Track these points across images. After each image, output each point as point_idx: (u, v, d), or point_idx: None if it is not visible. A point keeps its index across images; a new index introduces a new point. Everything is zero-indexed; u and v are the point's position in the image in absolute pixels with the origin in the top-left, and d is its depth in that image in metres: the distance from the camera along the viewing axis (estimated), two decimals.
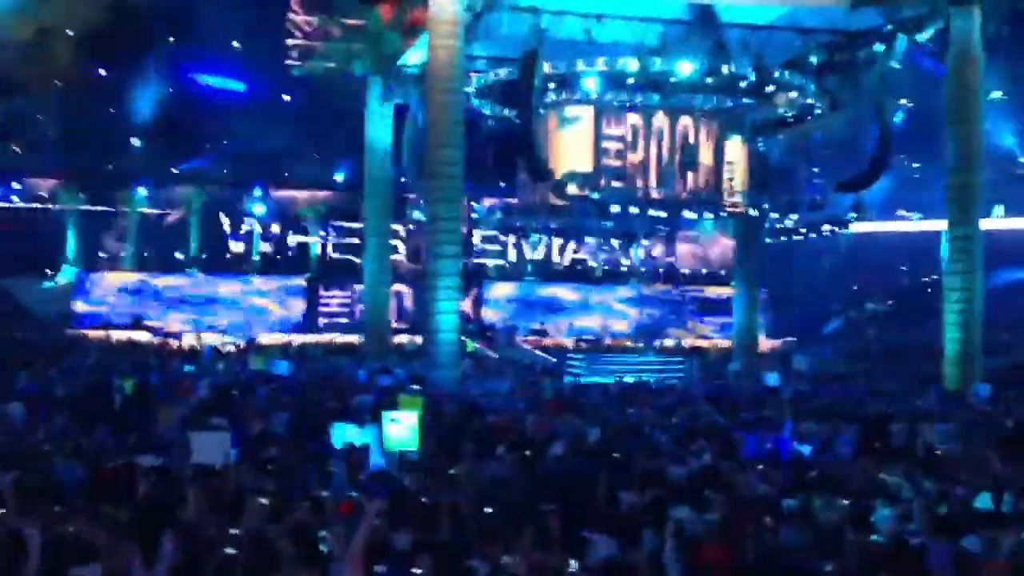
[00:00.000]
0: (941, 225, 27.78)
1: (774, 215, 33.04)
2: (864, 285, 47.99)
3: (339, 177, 44.15)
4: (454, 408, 19.07)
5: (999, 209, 40.27)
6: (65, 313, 40.27)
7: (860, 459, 13.67)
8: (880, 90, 29.97)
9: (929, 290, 35.45)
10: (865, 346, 40.36)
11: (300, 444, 14.38)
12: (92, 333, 38.21)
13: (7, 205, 41.55)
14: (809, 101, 31.59)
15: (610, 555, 8.24)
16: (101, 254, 42.53)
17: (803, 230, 34.83)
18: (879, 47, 29.50)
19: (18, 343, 31.26)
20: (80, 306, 40.89)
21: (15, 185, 41.74)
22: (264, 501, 9.58)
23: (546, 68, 28.92)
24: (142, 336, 38.17)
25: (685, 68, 28.92)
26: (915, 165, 42.00)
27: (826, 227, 34.45)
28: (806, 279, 45.46)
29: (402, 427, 13.17)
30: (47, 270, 41.59)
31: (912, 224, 43.07)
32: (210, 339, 38.25)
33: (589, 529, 9.13)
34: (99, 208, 42.10)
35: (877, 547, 8.80)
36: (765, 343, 40.38)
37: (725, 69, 29.55)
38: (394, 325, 38.18)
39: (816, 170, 35.24)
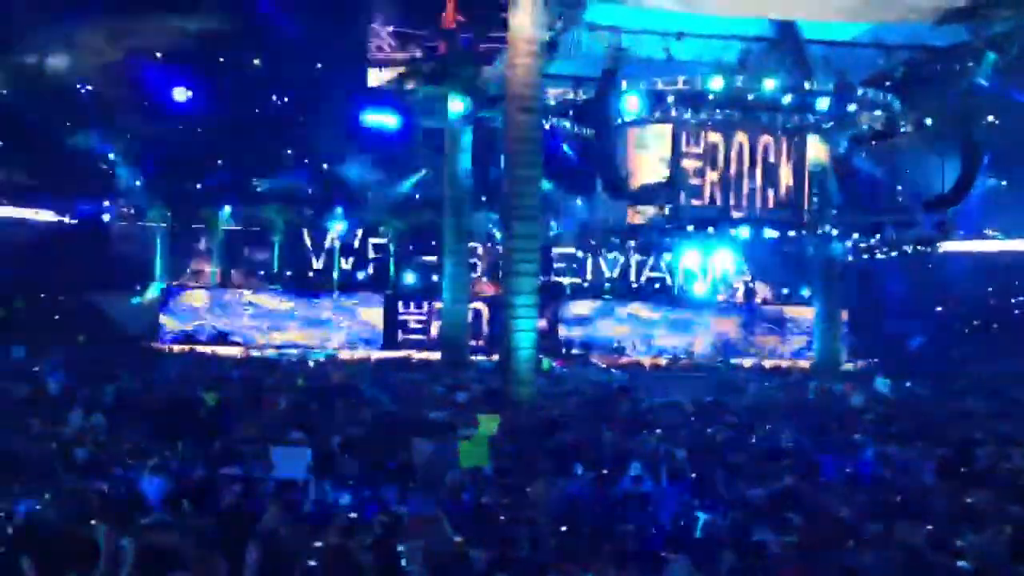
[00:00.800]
0: None
1: (857, 235, 32.49)
2: (949, 306, 46.83)
3: (417, 195, 44.58)
4: (530, 425, 19.10)
5: None
6: (151, 328, 41.31)
7: (944, 483, 13.36)
8: (966, 107, 29.35)
9: (1017, 312, 34.46)
10: (950, 369, 39.37)
11: (379, 459, 14.54)
12: (177, 347, 39.12)
13: (97, 222, 42.87)
14: (894, 118, 31.07)
15: None
16: (187, 271, 43.57)
17: (887, 249, 34.19)
18: (966, 63, 28.91)
19: (105, 357, 32.11)
20: (166, 321, 41.89)
21: (105, 203, 43.01)
22: (344, 516, 9.72)
23: (625, 86, 28.99)
24: (226, 351, 38.96)
25: (767, 85, 28.70)
26: (1003, 183, 40.91)
27: (911, 246, 33.76)
28: (889, 300, 44.49)
29: (476, 444, 13.25)
30: (136, 286, 42.73)
31: (999, 244, 41.95)
32: (292, 354, 38.88)
33: (666, 550, 9.10)
34: (186, 226, 43.20)
35: (962, 573, 8.61)
36: (847, 365, 39.64)
37: (806, 86, 29.26)
38: (471, 343, 38.40)
39: (901, 188, 34.58)
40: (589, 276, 46.31)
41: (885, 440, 17.21)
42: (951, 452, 16.10)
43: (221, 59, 42.93)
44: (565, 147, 33.95)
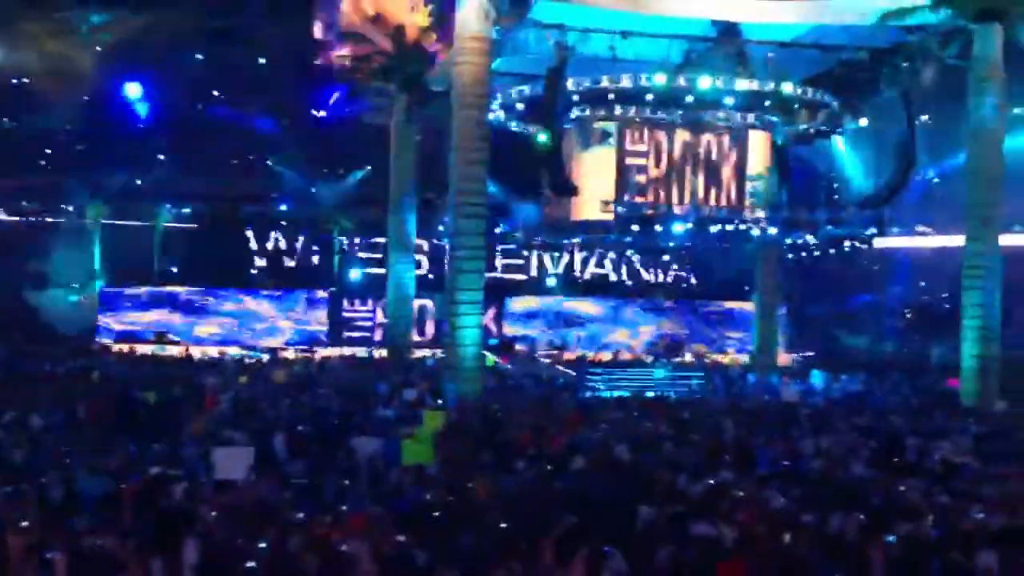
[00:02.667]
0: (961, 241, 27.65)
1: (795, 231, 33.03)
2: (883, 302, 47.79)
3: (363, 192, 44.45)
4: (475, 422, 19.17)
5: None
6: (90, 327, 40.69)
7: (877, 474, 13.67)
8: (903, 106, 29.93)
9: (947, 306, 35.27)
10: (883, 362, 40.21)
11: (322, 458, 14.51)
12: (117, 347, 38.59)
13: (33, 220, 42.12)
14: (832, 117, 31.63)
15: (621, 571, 8.32)
16: (127, 269, 42.95)
17: (824, 245, 34.79)
18: (903, 64, 29.49)
19: (43, 357, 31.60)
20: (104, 320, 41.29)
21: (43, 201, 42.26)
22: (287, 515, 9.71)
23: (571, 84, 29.16)
24: (166, 350, 38.52)
25: (707, 84, 29.06)
26: (936, 181, 41.80)
27: (847, 243, 34.37)
28: (826, 295, 45.29)
29: (419, 442, 13.31)
30: (73, 284, 42.04)
31: (933, 240, 42.84)
32: (233, 352, 38.55)
33: (607, 544, 9.22)
34: (124, 223, 42.58)
35: (894, 560, 8.85)
36: (784, 358, 40.27)
37: (747, 85, 29.68)
38: (416, 339, 38.37)
39: (837, 185, 35.18)
40: (534, 273, 46.54)
41: (820, 433, 17.54)
42: (883, 444, 16.48)
43: (162, 53, 42.31)
44: (511, 143, 34.05)
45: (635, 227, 31.05)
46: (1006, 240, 28.79)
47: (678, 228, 31.25)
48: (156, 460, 13.60)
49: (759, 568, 8.79)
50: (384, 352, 36.71)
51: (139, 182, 43.21)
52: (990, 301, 25.73)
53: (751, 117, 31.91)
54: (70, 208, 42.53)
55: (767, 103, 30.51)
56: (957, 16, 26.77)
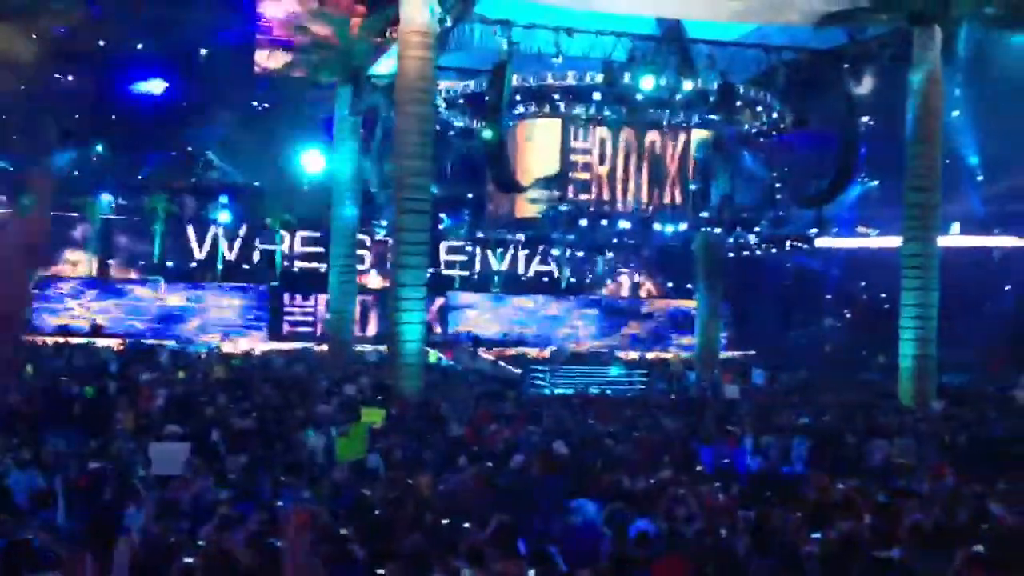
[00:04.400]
0: (900, 242, 28.10)
1: (738, 229, 33.38)
2: (824, 301, 48.52)
3: (306, 186, 44.01)
4: (417, 419, 19.08)
5: (956, 227, 40.86)
6: (24, 319, 39.79)
7: (815, 472, 13.83)
8: (844, 108, 30.35)
9: (886, 306, 35.91)
10: (822, 361, 40.81)
11: (262, 454, 14.32)
12: (51, 340, 37.79)
13: None
14: (775, 117, 31.99)
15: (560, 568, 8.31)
16: (63, 260, 42.10)
17: (765, 245, 35.21)
18: (845, 66, 29.90)
19: None
20: (39, 312, 40.44)
21: None
22: (222, 511, 9.56)
23: (515, 80, 29.13)
24: (102, 343, 37.82)
25: (651, 83, 29.22)
26: (874, 183, 42.52)
27: (788, 242, 34.82)
28: (768, 294, 45.86)
29: (353, 438, 13.17)
30: None
31: (872, 240, 43.58)
32: (170, 345, 37.96)
33: (547, 541, 9.21)
34: (61, 214, 41.65)
35: (831, 558, 8.94)
36: (725, 356, 40.69)
37: (691, 85, 29.90)
38: (358, 334, 38.12)
39: (779, 185, 35.61)
40: (478, 269, 46.48)
41: (760, 430, 17.71)
42: (822, 442, 16.69)
43: (103, 41, 41.46)
44: (455, 138, 33.97)
45: (583, 222, 31.19)
46: (944, 241, 29.36)
47: (622, 225, 31.42)
48: (90, 455, 13.33)
49: (697, 564, 8.83)
50: (325, 347, 36.44)
51: (76, 173, 42.30)
52: (928, 301, 26.17)
53: (694, 117, 32.18)
54: (3, 197, 41.51)
55: (709, 102, 30.75)
56: (895, 20, 27.20)
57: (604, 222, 31.95)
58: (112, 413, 17.71)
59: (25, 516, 9.84)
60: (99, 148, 42.66)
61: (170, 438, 14.09)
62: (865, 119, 32.71)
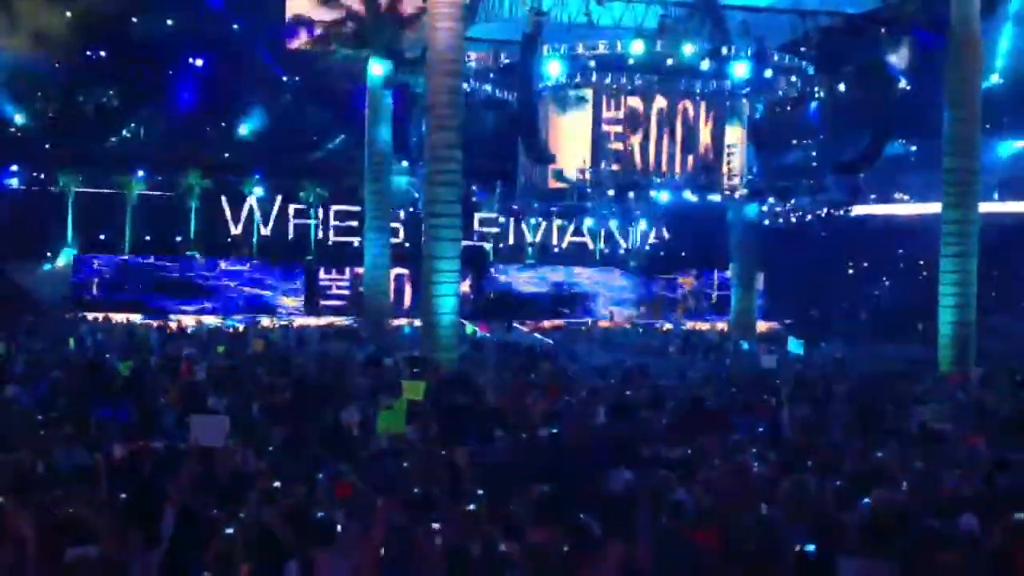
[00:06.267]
0: (939, 208, 27.76)
1: (771, 199, 33.11)
2: (861, 269, 48.02)
3: (339, 160, 44.10)
4: (453, 391, 19.15)
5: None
6: (64, 296, 40.32)
7: (853, 441, 13.75)
8: (879, 73, 29.95)
9: (925, 273, 35.51)
10: (859, 329, 40.44)
11: (301, 427, 14.45)
12: (91, 316, 38.27)
13: (4, 187, 41.50)
14: (808, 83, 31.63)
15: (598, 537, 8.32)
16: (100, 237, 42.54)
17: (800, 212, 34.90)
18: (879, 30, 29.48)
19: (17, 326, 31.28)
20: (79, 289, 40.94)
21: (13, 168, 41.61)
22: (262, 484, 9.66)
23: (546, 50, 28.98)
24: (141, 318, 38.26)
25: (686, 50, 28.94)
26: (912, 148, 41.91)
27: (824, 210, 34.49)
28: (804, 263, 45.45)
29: (394, 411, 13.25)
30: (47, 253, 41.60)
31: (910, 207, 43.04)
32: (209, 321, 38.35)
33: (584, 510, 9.23)
34: (98, 191, 42.08)
35: (865, 526, 8.89)
36: (762, 326, 40.46)
37: (725, 51, 29.60)
38: (394, 309, 38.29)
39: (814, 153, 35.23)
40: (511, 241, 46.44)
41: (797, 400, 17.62)
42: (860, 410, 16.58)
43: (134, 19, 41.65)
44: (487, 110, 33.90)
45: (611, 192, 31.07)
46: (984, 208, 28.96)
47: (655, 196, 31.25)
48: (132, 430, 13.50)
49: (734, 536, 8.81)
50: (360, 321, 36.63)
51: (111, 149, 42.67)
52: (967, 268, 25.88)
53: (728, 83, 31.86)
54: (41, 175, 41.94)
55: (743, 69, 30.41)
56: None
57: (636, 192, 31.79)
58: (155, 387, 17.92)
59: (68, 490, 9.99)
60: (133, 125, 42.96)
61: (211, 411, 14.23)
62: (901, 84, 32.24)
